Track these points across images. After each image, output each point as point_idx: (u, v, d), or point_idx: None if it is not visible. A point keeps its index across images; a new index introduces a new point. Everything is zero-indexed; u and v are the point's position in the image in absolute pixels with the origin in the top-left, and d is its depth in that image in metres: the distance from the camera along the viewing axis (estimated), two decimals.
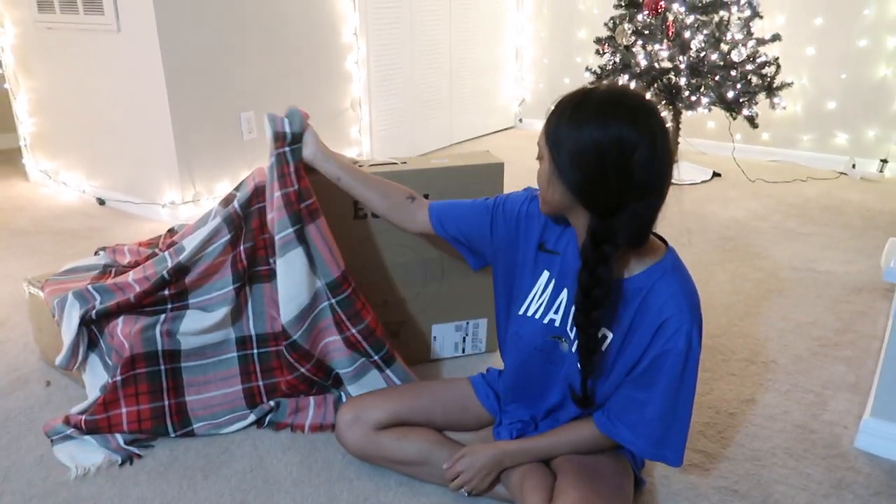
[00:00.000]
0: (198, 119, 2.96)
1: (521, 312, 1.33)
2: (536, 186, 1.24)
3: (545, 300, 1.30)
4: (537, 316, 1.31)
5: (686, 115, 3.69)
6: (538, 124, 3.68)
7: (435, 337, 1.91)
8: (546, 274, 1.30)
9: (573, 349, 1.25)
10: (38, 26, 3.16)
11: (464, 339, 1.94)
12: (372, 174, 1.56)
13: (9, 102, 3.52)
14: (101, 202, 3.30)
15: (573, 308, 1.20)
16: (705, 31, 3.41)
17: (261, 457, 1.54)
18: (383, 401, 1.46)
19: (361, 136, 3.85)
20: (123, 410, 1.57)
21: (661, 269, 1.17)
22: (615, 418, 1.23)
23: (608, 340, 1.21)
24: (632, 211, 1.08)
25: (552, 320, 1.29)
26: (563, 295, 1.28)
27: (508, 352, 1.41)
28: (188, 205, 2.99)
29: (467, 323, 1.92)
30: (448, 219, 1.44)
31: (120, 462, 1.52)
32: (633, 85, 3.61)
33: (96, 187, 3.33)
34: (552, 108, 1.14)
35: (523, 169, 2.70)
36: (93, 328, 1.65)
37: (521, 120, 5.06)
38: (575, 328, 1.20)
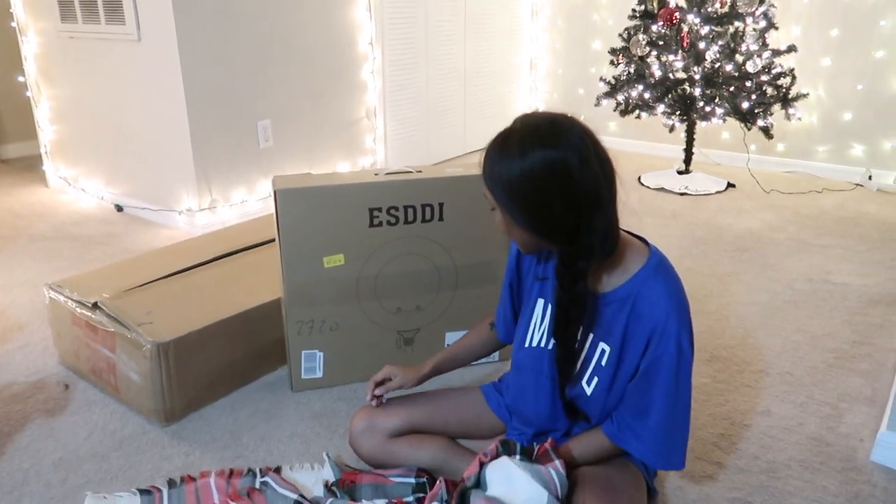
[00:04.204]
0: (215, 127, 3.00)
1: (526, 345, 1.34)
2: None
3: (546, 327, 1.31)
4: (542, 344, 1.31)
5: (700, 125, 3.69)
6: None
7: (449, 345, 1.91)
8: (541, 302, 1.31)
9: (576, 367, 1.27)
10: (61, 36, 3.22)
11: None
12: (457, 342, 1.55)
13: (30, 110, 3.59)
14: (119, 209, 3.34)
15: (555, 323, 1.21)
16: (720, 42, 3.41)
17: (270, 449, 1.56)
18: (397, 409, 1.47)
19: (376, 144, 3.88)
20: None
21: (644, 274, 1.17)
22: (624, 427, 1.24)
23: (606, 354, 1.22)
24: (590, 226, 1.09)
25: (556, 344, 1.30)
26: None
27: (513, 385, 1.42)
28: (204, 212, 3.03)
29: None
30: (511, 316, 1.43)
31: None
32: (647, 95, 3.62)
33: (114, 194, 3.38)
34: (483, 157, 1.13)
35: None
36: None
37: None
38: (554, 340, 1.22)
